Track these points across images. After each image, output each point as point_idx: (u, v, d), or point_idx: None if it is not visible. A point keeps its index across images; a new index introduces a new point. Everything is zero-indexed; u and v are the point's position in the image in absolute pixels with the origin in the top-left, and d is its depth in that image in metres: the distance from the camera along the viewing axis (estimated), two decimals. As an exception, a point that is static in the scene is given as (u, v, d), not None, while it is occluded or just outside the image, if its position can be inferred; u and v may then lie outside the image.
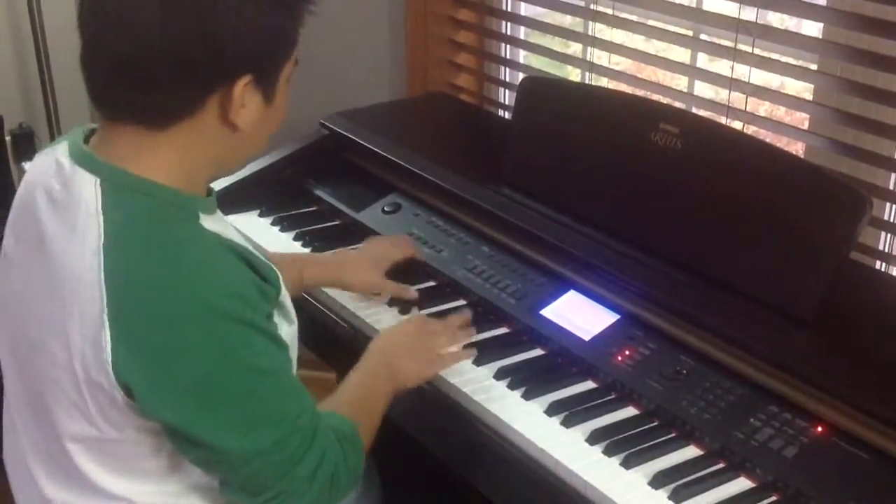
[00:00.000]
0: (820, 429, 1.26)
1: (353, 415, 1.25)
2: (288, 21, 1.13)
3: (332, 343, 1.62)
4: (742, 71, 1.80)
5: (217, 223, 1.16)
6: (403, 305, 1.60)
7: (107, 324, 1.04)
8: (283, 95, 1.18)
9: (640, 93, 1.96)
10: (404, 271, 1.69)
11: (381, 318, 1.58)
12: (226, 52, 1.07)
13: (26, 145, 2.66)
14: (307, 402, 1.16)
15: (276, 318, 1.17)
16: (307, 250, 1.79)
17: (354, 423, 1.23)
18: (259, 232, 1.82)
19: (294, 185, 1.97)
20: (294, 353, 1.23)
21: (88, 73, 1.10)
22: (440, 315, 1.57)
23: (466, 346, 1.47)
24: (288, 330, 1.21)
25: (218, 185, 1.89)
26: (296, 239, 1.83)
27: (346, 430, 1.21)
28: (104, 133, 1.14)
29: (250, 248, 1.16)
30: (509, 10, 2.29)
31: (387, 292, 1.61)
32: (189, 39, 1.05)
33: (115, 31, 1.06)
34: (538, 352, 1.50)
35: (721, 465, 1.27)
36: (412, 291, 1.62)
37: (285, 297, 1.21)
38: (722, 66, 1.87)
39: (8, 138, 2.62)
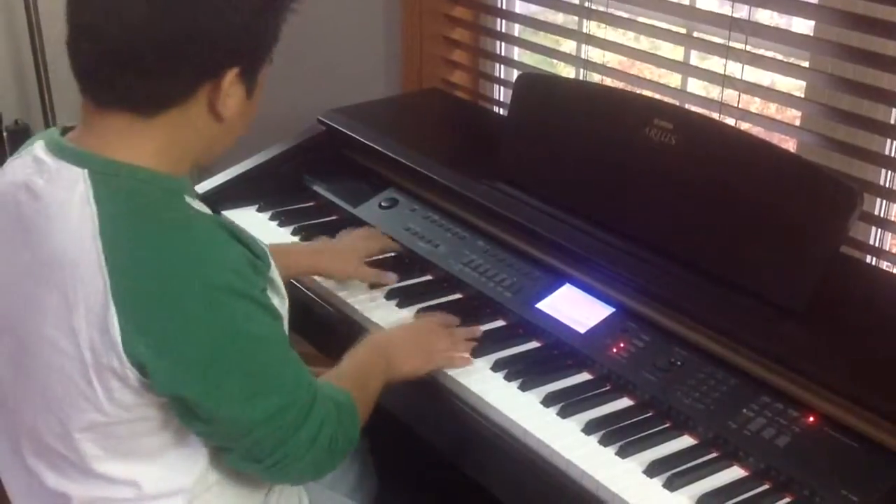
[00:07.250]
0: (811, 418, 1.29)
1: (349, 388, 1.29)
2: (274, 19, 1.17)
3: (330, 334, 1.64)
4: (734, 68, 1.82)
5: (201, 206, 1.19)
6: (401, 299, 1.62)
7: (112, 307, 1.06)
8: (260, 91, 1.22)
9: (633, 90, 1.98)
10: (400, 266, 1.71)
11: (378, 311, 1.60)
12: (218, 45, 1.11)
13: (22, 142, 2.64)
14: (304, 371, 1.20)
15: (269, 293, 1.20)
16: (305, 244, 1.80)
17: (350, 393, 1.27)
18: (258, 226, 1.83)
19: (292, 181, 1.98)
20: (286, 327, 1.26)
21: (77, 57, 1.12)
22: (436, 308, 1.59)
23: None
24: (280, 304, 1.24)
25: (216, 180, 1.94)
26: (294, 233, 1.85)
27: (342, 398, 1.26)
28: (88, 122, 1.15)
29: (238, 225, 1.19)
30: (504, 7, 2.31)
31: (366, 278, 1.65)
32: (180, 33, 1.08)
33: (105, 19, 1.08)
34: (534, 344, 1.52)
35: (714, 455, 1.29)
36: (391, 276, 1.66)
37: (275, 273, 1.24)
38: (715, 64, 1.89)
39: (4, 134, 2.62)
